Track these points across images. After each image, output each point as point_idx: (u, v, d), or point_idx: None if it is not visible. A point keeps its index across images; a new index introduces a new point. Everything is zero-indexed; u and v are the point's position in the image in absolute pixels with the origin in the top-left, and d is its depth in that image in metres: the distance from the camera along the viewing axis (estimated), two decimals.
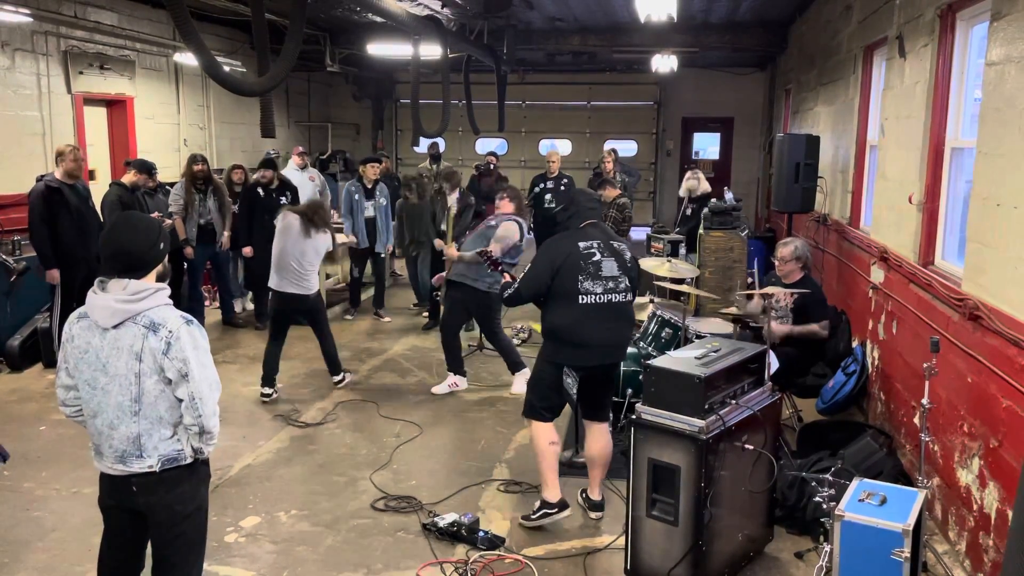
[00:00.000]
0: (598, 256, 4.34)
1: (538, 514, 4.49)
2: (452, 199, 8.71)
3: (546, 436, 4.48)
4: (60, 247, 6.95)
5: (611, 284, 4.36)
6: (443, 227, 8.71)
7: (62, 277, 7.01)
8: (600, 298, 4.33)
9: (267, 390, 6.51)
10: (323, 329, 6.74)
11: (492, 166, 11.53)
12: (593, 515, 4.67)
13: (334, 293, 9.97)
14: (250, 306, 9.25)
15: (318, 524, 4.60)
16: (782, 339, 5.63)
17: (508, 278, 4.78)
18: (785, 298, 5.76)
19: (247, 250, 8.47)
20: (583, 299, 4.30)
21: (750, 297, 6.20)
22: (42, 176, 7.13)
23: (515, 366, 6.77)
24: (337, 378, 6.83)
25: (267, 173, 8.63)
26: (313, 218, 6.50)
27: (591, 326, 4.32)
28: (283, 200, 8.59)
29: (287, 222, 6.49)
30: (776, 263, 6.00)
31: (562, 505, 4.50)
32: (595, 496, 4.69)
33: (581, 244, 4.34)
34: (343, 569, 4.15)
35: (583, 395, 4.51)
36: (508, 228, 6.43)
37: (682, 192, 10.09)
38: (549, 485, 4.49)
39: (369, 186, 9.08)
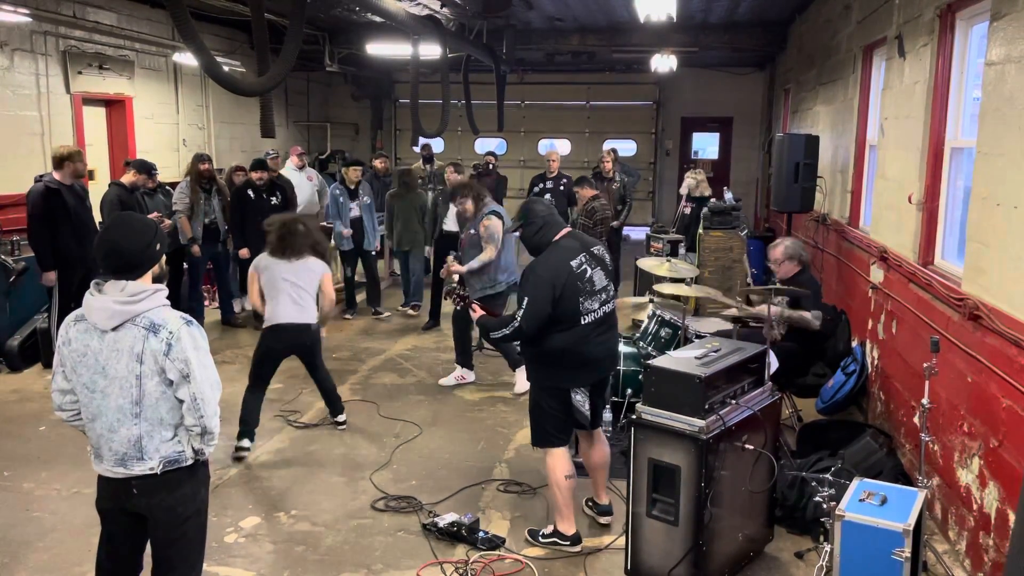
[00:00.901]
0: (589, 271, 4.16)
1: (549, 539, 4.37)
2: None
3: (562, 469, 4.28)
4: (57, 248, 6.93)
5: (603, 296, 4.22)
6: (445, 227, 8.72)
7: (60, 278, 7.00)
8: (597, 314, 4.18)
9: (245, 443, 5.52)
10: (319, 363, 5.78)
11: (491, 166, 11.54)
12: (603, 520, 4.58)
13: None
14: (249, 306, 9.23)
15: (318, 524, 4.60)
16: (777, 320, 5.60)
17: (478, 311, 4.51)
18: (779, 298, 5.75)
19: (244, 252, 8.46)
20: (585, 319, 4.13)
21: (748, 301, 6.20)
22: (40, 176, 7.11)
23: (516, 363, 6.69)
24: (341, 418, 5.97)
25: (262, 174, 8.59)
26: (286, 243, 5.51)
27: (592, 343, 4.18)
28: (273, 200, 8.58)
29: (257, 263, 5.62)
30: (772, 267, 6.02)
31: (575, 540, 4.35)
32: (603, 501, 4.61)
33: (572, 263, 4.10)
34: (343, 569, 4.15)
35: None
36: (491, 227, 6.47)
37: (682, 189, 10.10)
38: (565, 519, 4.35)
39: (352, 187, 9.11)
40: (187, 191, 8.32)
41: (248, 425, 5.55)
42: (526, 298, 4.08)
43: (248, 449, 5.51)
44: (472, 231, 6.65)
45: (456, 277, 6.67)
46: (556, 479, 4.29)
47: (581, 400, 4.23)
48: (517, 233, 4.44)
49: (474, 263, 6.55)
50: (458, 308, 4.76)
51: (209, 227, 8.48)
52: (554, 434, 4.29)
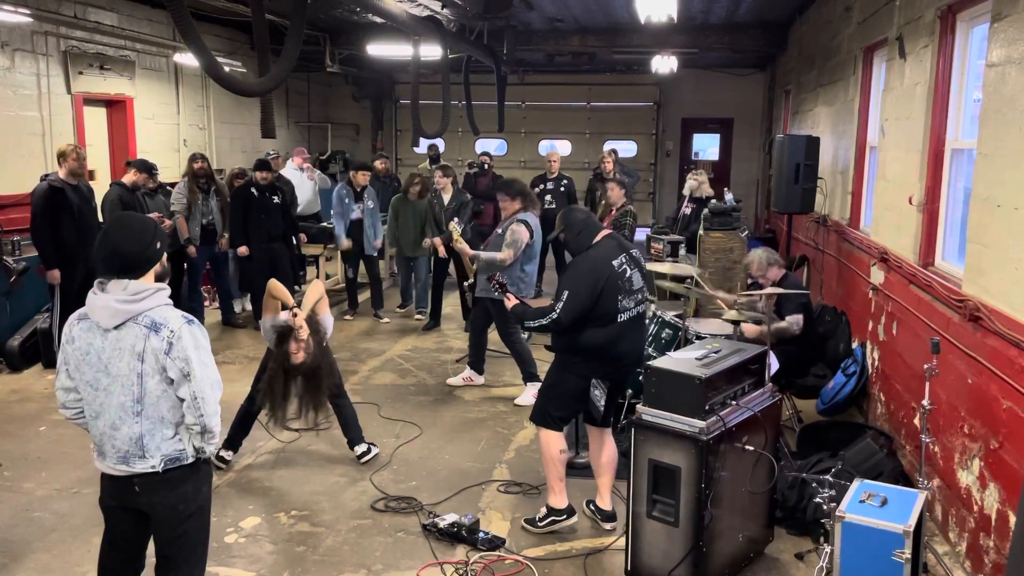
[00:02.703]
0: (628, 271, 4.27)
1: (546, 521, 4.46)
2: (447, 196, 8.75)
3: (557, 444, 4.40)
4: (60, 247, 6.95)
5: (640, 296, 4.33)
6: (451, 226, 8.71)
7: (62, 277, 7.01)
8: (633, 312, 4.29)
9: (228, 454, 5.32)
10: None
11: (487, 166, 11.54)
12: (607, 526, 4.54)
13: (332, 294, 9.97)
14: (249, 307, 9.24)
15: (318, 525, 4.60)
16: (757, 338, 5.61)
17: (513, 301, 4.56)
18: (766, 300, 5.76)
19: (243, 250, 8.43)
20: (621, 316, 4.22)
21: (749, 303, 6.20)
22: (46, 176, 7.14)
23: (530, 376, 6.61)
24: (360, 450, 5.41)
25: (267, 174, 8.55)
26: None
27: (626, 340, 4.28)
28: (275, 199, 8.55)
29: (269, 324, 5.03)
30: (759, 280, 6.00)
31: (569, 512, 4.47)
32: (606, 506, 4.57)
33: (614, 262, 4.22)
34: (343, 569, 4.15)
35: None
36: (517, 232, 6.42)
37: (684, 191, 10.12)
38: (556, 492, 4.45)
39: (358, 190, 9.08)
40: (184, 191, 8.32)
41: (237, 436, 5.37)
42: (566, 291, 4.18)
43: (229, 462, 5.33)
44: (499, 231, 6.61)
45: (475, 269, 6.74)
46: (551, 453, 4.42)
47: (599, 395, 4.32)
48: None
49: (483, 254, 6.51)
50: (496, 293, 4.87)
51: (207, 228, 8.47)
52: (555, 417, 4.40)
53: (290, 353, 4.88)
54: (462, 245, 6.79)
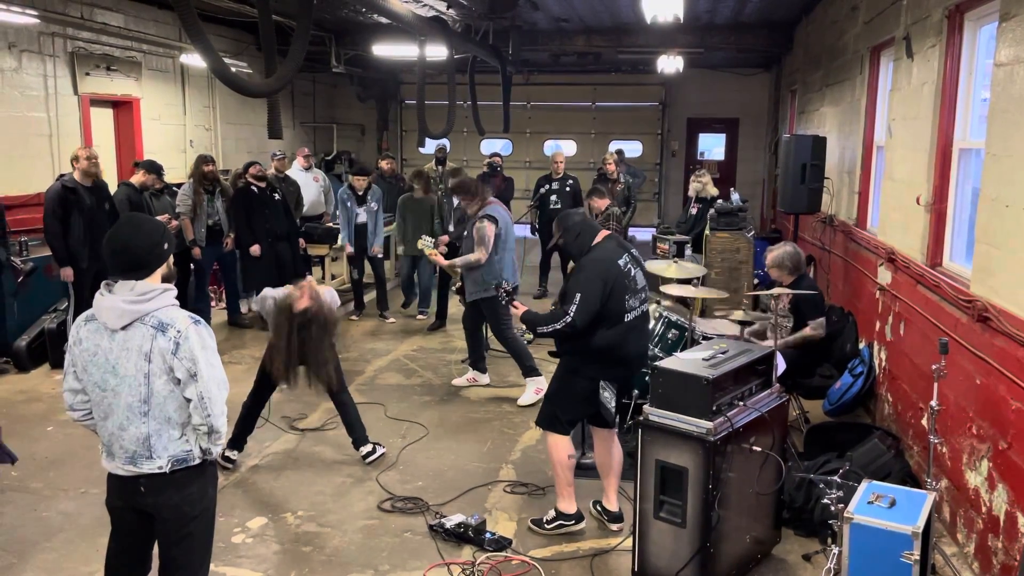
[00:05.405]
0: (632, 271, 4.28)
1: (553, 524, 4.47)
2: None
3: (565, 449, 4.39)
4: (70, 246, 6.99)
5: (643, 295, 4.35)
6: (450, 228, 8.73)
7: (74, 276, 7.04)
8: (638, 311, 4.30)
9: (233, 454, 5.33)
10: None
11: (499, 167, 11.53)
12: (614, 527, 4.55)
13: (339, 294, 9.95)
14: (256, 307, 9.24)
15: (325, 525, 4.61)
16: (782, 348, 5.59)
17: (522, 308, 4.58)
18: (781, 302, 5.74)
19: (255, 249, 8.42)
20: (628, 316, 4.23)
21: (755, 303, 6.18)
22: (61, 176, 7.18)
23: (528, 371, 6.61)
24: (366, 450, 5.41)
25: (257, 168, 8.54)
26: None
27: (632, 341, 4.29)
28: (276, 197, 8.57)
29: (265, 306, 5.27)
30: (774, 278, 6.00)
31: (578, 517, 4.48)
32: (612, 507, 4.58)
33: (620, 262, 4.23)
34: (350, 570, 4.15)
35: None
36: (481, 231, 6.46)
37: (690, 192, 10.13)
38: (565, 497, 4.45)
39: (360, 193, 9.07)
40: (191, 193, 8.34)
41: (241, 434, 5.37)
42: (578, 293, 4.14)
43: (235, 461, 5.33)
44: (466, 233, 6.66)
45: (458, 271, 6.82)
46: (559, 458, 4.40)
47: (608, 396, 4.30)
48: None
49: (458, 260, 6.62)
50: (503, 302, 4.89)
51: (213, 228, 8.49)
52: (562, 421, 4.39)
53: (294, 301, 4.92)
54: (437, 257, 7.00)
